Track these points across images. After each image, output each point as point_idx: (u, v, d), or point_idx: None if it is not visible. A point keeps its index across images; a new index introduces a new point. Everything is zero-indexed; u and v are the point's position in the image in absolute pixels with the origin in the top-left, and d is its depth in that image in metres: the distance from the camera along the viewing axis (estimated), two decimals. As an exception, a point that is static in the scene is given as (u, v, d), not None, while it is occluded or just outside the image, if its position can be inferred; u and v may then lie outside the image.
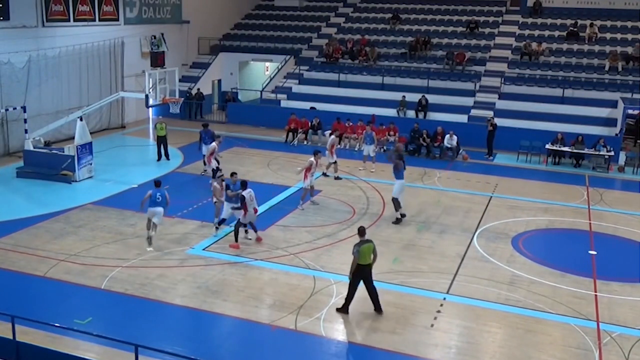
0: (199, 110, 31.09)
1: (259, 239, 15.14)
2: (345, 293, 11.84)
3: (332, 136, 21.34)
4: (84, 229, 15.73)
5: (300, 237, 15.54)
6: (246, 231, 15.20)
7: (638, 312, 12.32)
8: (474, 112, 27.75)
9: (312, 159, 17.81)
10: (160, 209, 14.58)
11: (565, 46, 30.99)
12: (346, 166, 22.43)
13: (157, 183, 15.09)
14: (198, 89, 31.63)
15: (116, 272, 13.22)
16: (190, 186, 19.31)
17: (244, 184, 14.78)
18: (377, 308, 11.84)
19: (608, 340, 11.18)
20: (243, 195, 14.49)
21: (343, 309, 11.74)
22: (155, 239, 14.71)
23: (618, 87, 27.65)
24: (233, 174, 15.38)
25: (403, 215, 16.89)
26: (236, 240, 14.77)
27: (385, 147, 25.09)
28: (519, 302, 12.50)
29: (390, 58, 31.87)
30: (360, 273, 11.58)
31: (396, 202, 16.78)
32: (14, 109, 21.61)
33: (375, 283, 11.96)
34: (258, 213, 15.10)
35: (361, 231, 11.80)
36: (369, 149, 22.21)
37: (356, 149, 25.08)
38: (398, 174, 16.80)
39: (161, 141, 22.65)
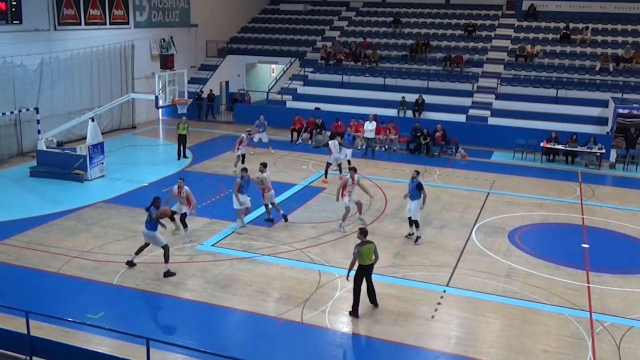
0: (210, 111, 31.49)
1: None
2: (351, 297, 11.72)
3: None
4: (95, 226, 15.87)
5: (305, 233, 15.74)
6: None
7: (629, 302, 12.58)
8: (471, 111, 28.18)
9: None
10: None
11: (558, 48, 31.40)
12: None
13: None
14: (210, 90, 31.95)
15: (127, 268, 13.35)
16: (199, 184, 19.45)
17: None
18: (373, 301, 11.92)
19: (600, 329, 11.39)
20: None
21: (353, 313, 11.62)
22: (166, 236, 15.01)
23: (609, 88, 28.05)
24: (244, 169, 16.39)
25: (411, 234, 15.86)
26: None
27: (386, 146, 25.69)
28: (515, 294, 12.72)
29: (391, 60, 32.30)
30: (362, 273, 11.55)
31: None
32: (27, 110, 21.83)
33: (378, 277, 12.16)
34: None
35: (363, 232, 11.68)
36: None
37: (358, 148, 25.42)
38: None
39: (182, 140, 23.08)
